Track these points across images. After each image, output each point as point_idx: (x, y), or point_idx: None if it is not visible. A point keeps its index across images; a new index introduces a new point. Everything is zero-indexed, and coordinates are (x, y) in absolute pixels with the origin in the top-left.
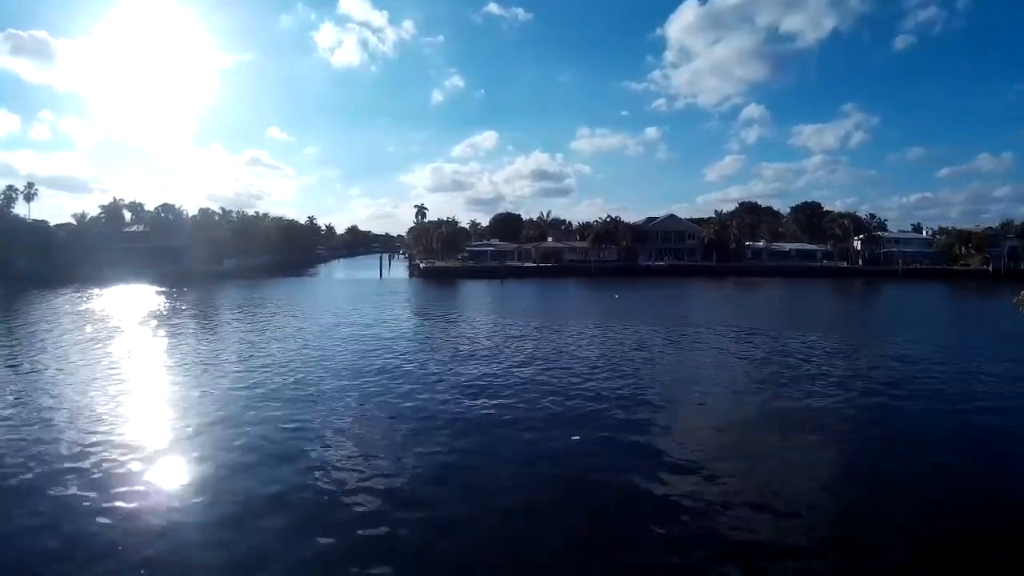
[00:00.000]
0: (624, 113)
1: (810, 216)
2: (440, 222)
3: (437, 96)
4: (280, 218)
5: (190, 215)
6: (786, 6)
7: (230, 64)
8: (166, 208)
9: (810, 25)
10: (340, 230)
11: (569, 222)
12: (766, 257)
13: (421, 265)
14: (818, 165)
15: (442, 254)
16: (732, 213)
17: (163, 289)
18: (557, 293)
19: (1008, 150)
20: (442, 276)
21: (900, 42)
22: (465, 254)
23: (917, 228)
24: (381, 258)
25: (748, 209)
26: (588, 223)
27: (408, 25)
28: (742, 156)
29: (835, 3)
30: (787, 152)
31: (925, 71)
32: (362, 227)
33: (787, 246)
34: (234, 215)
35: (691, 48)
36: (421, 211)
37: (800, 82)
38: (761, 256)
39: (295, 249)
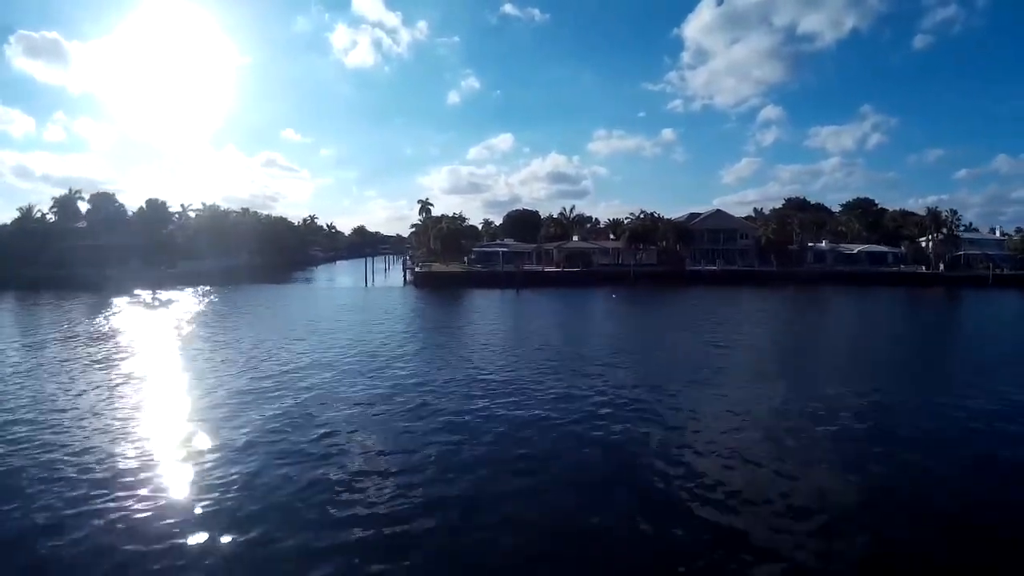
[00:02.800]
0: (641, 114)
1: (864, 213)
2: (441, 218)
3: (453, 97)
4: (260, 214)
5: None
6: (804, 6)
7: (244, 65)
8: (103, 199)
9: (828, 25)
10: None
11: (595, 219)
12: (831, 260)
13: (416, 269)
14: (835, 167)
15: (443, 256)
16: (781, 210)
17: (53, 301)
18: (592, 311)
19: None
20: (441, 284)
21: (919, 42)
22: (473, 256)
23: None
24: (367, 262)
25: (796, 206)
26: (618, 220)
27: (422, 26)
28: (758, 158)
29: (854, 2)
30: (803, 154)
31: (943, 71)
32: (381, 230)
33: (855, 247)
34: (194, 210)
35: (708, 48)
36: (426, 207)
37: (818, 83)
38: (825, 259)
39: (281, 250)
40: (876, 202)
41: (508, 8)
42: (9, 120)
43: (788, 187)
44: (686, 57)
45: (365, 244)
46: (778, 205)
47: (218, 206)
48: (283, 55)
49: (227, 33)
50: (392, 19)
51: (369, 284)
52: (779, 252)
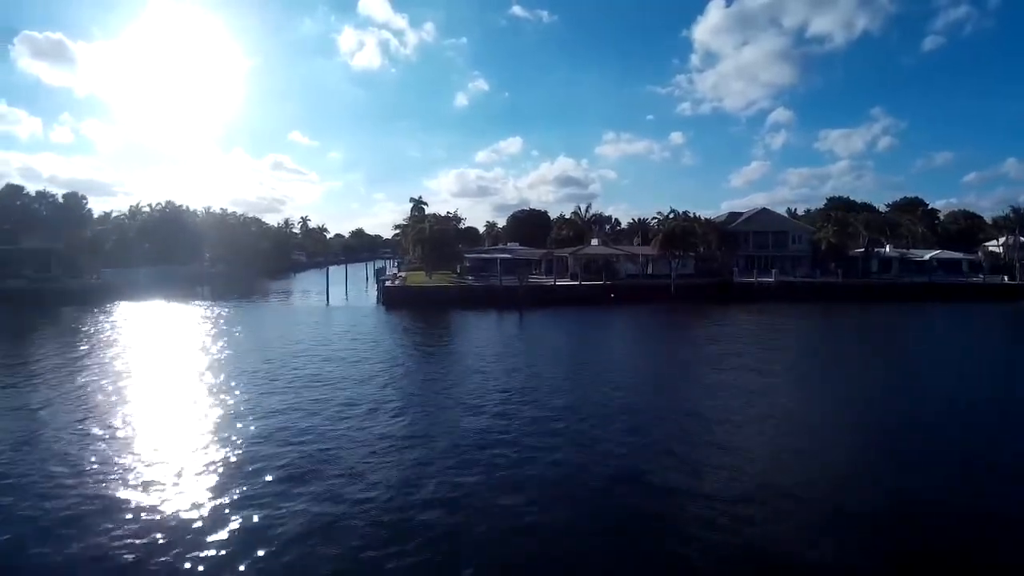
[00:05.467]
0: (649, 117)
1: (923, 215)
2: (425, 217)
3: (461, 99)
4: (230, 213)
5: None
6: (814, 7)
7: (251, 67)
8: (10, 192)
9: (839, 26)
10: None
11: (616, 219)
12: (897, 269)
13: (387, 284)
14: (844, 170)
15: (427, 265)
16: (829, 210)
17: None
18: (641, 356)
19: None
20: (420, 303)
21: (929, 43)
22: (467, 264)
23: None
24: (326, 272)
25: (842, 206)
26: (643, 220)
27: (429, 27)
28: (767, 162)
29: (865, 3)
30: (813, 157)
31: (954, 73)
32: (387, 233)
33: (925, 253)
34: (148, 207)
35: (717, 51)
36: (419, 205)
37: (827, 85)
38: (891, 267)
39: (254, 255)
40: (926, 202)
41: (517, 10)
42: (16, 120)
43: (797, 191)
44: (695, 60)
45: (364, 248)
46: (798, 207)
47: (175, 203)
48: (290, 57)
49: (233, 35)
50: (399, 21)
51: (334, 302)
52: (842, 259)
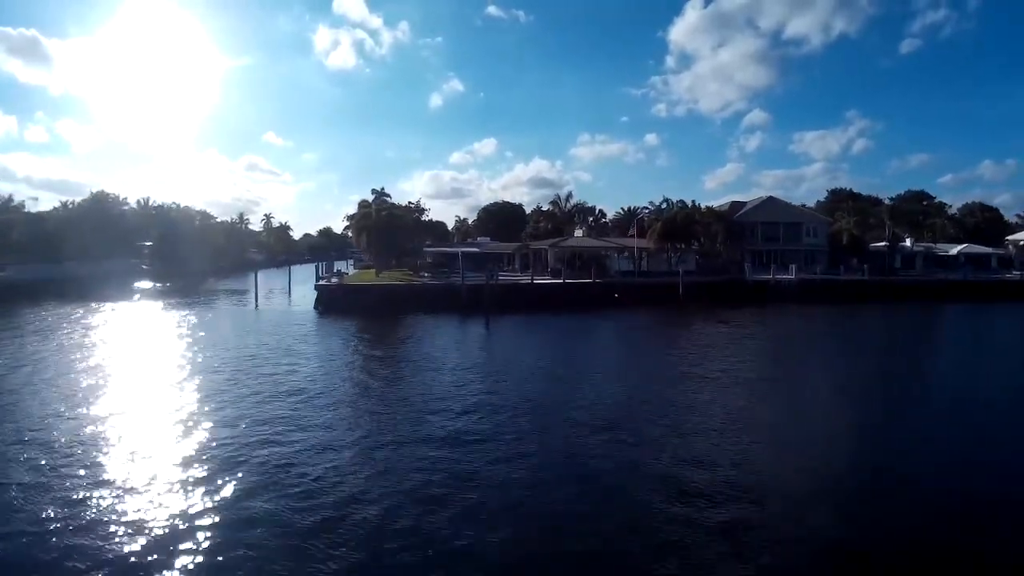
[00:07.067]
0: (624, 119)
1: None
2: (371, 204)
3: (436, 100)
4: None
5: None
6: (792, 8)
7: (227, 67)
8: None
9: (816, 29)
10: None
11: (601, 210)
12: (920, 265)
13: (323, 283)
14: (818, 172)
15: (376, 259)
16: (826, 204)
17: None
18: (665, 383)
19: (1012, 156)
20: (363, 307)
21: (907, 46)
22: (429, 260)
23: None
24: (256, 277)
25: (845, 198)
26: (633, 211)
27: (404, 27)
28: (741, 163)
29: (843, 5)
30: (788, 159)
31: (930, 76)
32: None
33: (952, 248)
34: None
35: (693, 52)
36: (381, 196)
37: (804, 87)
38: (915, 263)
39: (192, 250)
40: (933, 196)
41: (492, 10)
42: None
43: (772, 192)
44: (670, 61)
45: (333, 247)
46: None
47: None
48: (265, 56)
49: (209, 33)
50: (374, 20)
51: (269, 304)
52: (863, 255)
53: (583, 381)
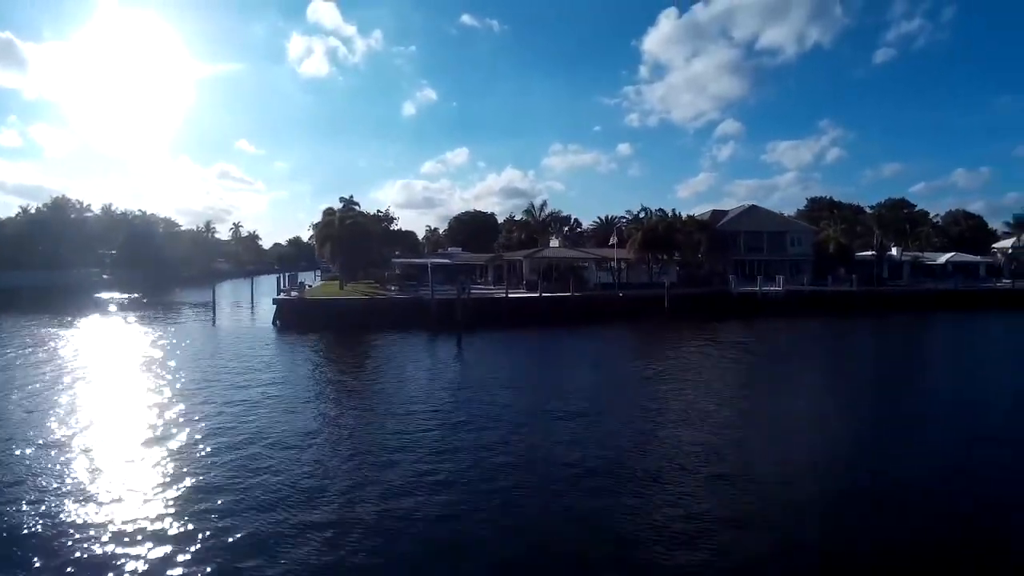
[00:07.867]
0: (597, 128)
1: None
2: (335, 211)
3: (409, 108)
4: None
5: None
6: (766, 19)
7: (200, 74)
8: None
9: (790, 39)
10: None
11: (576, 219)
12: (908, 275)
13: (283, 297)
14: (791, 182)
15: (341, 270)
16: (804, 212)
17: None
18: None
19: (985, 164)
20: (323, 323)
21: (880, 55)
22: (397, 272)
23: None
24: (213, 291)
25: (824, 206)
26: (611, 220)
27: (378, 35)
28: (714, 173)
29: (817, 15)
30: (760, 168)
31: (905, 85)
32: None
33: (940, 256)
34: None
35: (666, 63)
36: (350, 204)
37: (777, 97)
38: (901, 272)
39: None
40: (914, 204)
41: (467, 19)
42: None
43: (744, 202)
44: (643, 71)
45: (303, 257)
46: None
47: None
48: (238, 63)
49: (183, 39)
50: (348, 28)
51: (228, 321)
52: (850, 264)
53: (574, 419)
